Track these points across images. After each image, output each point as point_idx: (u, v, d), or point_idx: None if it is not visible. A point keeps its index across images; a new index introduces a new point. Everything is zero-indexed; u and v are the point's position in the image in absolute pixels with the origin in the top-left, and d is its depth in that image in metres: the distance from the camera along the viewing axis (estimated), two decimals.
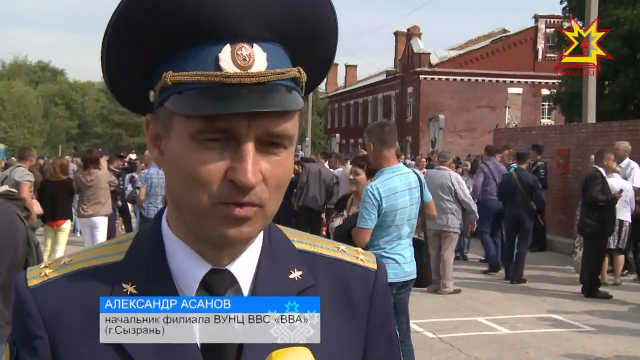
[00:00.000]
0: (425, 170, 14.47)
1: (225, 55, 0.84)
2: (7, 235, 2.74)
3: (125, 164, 15.18)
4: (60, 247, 9.00)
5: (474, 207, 9.29)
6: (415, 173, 4.99)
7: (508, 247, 10.49)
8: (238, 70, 0.84)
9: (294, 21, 0.87)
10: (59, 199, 8.82)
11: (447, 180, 9.12)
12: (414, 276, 4.84)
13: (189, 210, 0.88)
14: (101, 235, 9.19)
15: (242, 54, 0.84)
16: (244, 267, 0.93)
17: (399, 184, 4.66)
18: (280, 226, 1.03)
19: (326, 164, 13.18)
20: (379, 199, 4.56)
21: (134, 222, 14.22)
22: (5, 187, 3.44)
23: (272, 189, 0.87)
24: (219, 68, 0.84)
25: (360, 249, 1.06)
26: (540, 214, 10.79)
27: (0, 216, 2.76)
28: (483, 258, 12.39)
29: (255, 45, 0.85)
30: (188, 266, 0.92)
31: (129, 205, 14.49)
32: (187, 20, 0.84)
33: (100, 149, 14.26)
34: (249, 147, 0.84)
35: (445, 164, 9.57)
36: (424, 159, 17.16)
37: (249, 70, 0.84)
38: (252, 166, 0.83)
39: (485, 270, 11.10)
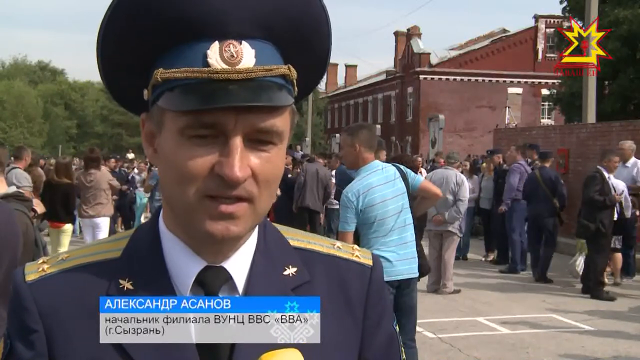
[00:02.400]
0: (421, 169, 14.45)
1: (213, 52, 0.85)
2: (5, 235, 2.73)
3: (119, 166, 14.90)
4: (63, 249, 9.00)
5: (462, 209, 9.17)
6: (395, 165, 4.97)
7: (531, 245, 10.42)
8: (226, 67, 0.85)
9: (284, 20, 0.88)
10: (59, 202, 8.81)
11: (452, 181, 9.16)
12: (411, 275, 4.72)
13: (179, 205, 0.89)
14: (103, 236, 9.19)
15: (230, 51, 0.85)
16: (238, 264, 0.94)
17: (375, 179, 4.65)
18: (275, 224, 1.04)
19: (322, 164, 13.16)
20: (354, 199, 4.59)
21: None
22: (13, 188, 3.45)
23: (262, 185, 0.87)
24: (207, 64, 0.85)
25: (356, 246, 1.07)
26: (561, 211, 10.67)
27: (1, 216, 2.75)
28: (483, 258, 12.41)
29: (243, 42, 0.86)
30: (183, 263, 0.92)
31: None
32: (176, 19, 0.85)
33: (111, 157, 14.21)
34: (237, 142, 0.84)
35: (454, 165, 9.62)
36: (419, 159, 17.12)
37: (236, 67, 0.85)
38: (239, 161, 0.84)
39: (502, 270, 11.10)
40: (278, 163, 0.89)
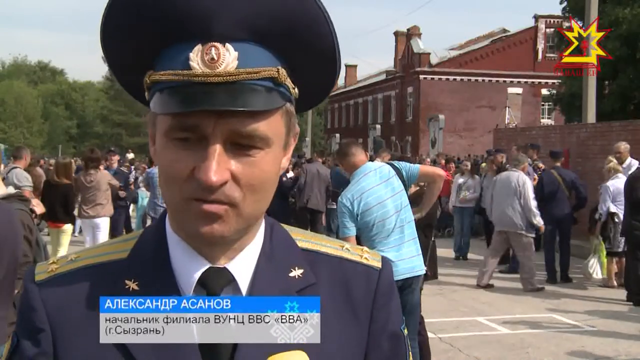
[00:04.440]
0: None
1: (195, 55, 0.85)
2: (5, 235, 2.73)
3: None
4: (63, 248, 9.00)
5: (533, 215, 9.44)
6: (389, 163, 4.95)
7: (550, 247, 10.36)
8: (206, 70, 0.85)
9: (273, 20, 0.86)
10: (59, 202, 8.81)
11: (514, 182, 9.41)
12: (413, 274, 4.68)
13: (170, 207, 0.90)
14: (102, 236, 9.19)
15: (210, 53, 0.85)
16: (242, 266, 0.93)
17: (367, 183, 4.65)
18: (285, 225, 1.03)
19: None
20: (348, 205, 4.60)
21: (134, 223, 14.20)
22: (12, 188, 3.49)
23: (246, 189, 0.87)
24: (189, 67, 0.85)
25: (365, 248, 1.06)
26: (578, 211, 10.65)
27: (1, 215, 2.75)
28: (484, 258, 12.39)
29: (227, 44, 0.85)
30: (187, 264, 0.93)
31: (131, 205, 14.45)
32: (161, 20, 0.86)
33: (112, 149, 14.02)
34: (215, 146, 0.84)
35: (519, 167, 9.74)
36: (427, 160, 17.21)
37: (217, 70, 0.85)
38: (216, 165, 0.84)
39: (502, 270, 11.07)
40: (265, 167, 0.88)
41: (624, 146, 10.30)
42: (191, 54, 0.85)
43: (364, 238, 4.64)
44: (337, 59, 0.94)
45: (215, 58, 0.85)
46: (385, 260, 1.04)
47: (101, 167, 9.83)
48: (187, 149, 0.85)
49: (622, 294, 9.06)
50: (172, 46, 0.87)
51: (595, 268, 9.44)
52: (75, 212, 9.46)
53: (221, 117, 0.84)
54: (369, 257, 1.03)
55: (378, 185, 4.65)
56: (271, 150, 0.89)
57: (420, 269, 4.76)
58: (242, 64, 0.85)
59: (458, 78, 41.02)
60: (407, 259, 4.67)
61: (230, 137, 0.85)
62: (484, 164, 13.95)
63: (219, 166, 0.84)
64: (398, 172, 4.78)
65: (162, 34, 0.87)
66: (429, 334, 7.06)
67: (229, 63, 0.85)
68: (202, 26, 0.85)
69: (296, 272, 0.96)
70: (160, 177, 0.90)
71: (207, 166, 0.84)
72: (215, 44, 0.85)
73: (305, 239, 1.02)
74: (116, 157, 12.94)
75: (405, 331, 1.05)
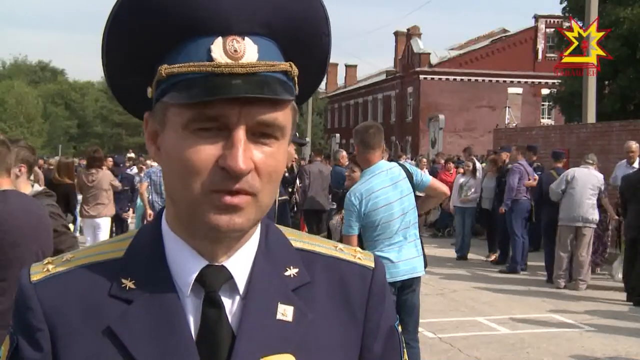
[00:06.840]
0: (425, 170, 14.41)
1: (216, 47, 0.87)
2: (36, 225, 2.76)
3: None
4: None
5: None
6: (400, 164, 4.94)
7: (549, 249, 10.29)
8: (229, 61, 0.86)
9: (285, 18, 0.90)
10: (60, 202, 8.78)
11: (596, 180, 9.59)
12: (413, 275, 4.70)
13: (183, 201, 0.89)
14: (103, 236, 9.18)
15: (233, 45, 0.87)
16: (239, 264, 0.94)
17: (377, 182, 4.63)
18: (279, 226, 1.05)
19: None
20: (356, 203, 4.58)
21: (133, 223, 14.18)
22: (37, 187, 3.60)
23: (265, 179, 0.88)
24: (211, 59, 0.86)
25: (358, 248, 1.07)
26: None
27: (19, 206, 2.76)
28: (485, 259, 12.38)
29: (246, 38, 0.88)
30: (184, 262, 0.93)
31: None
32: (179, 16, 0.86)
33: (117, 163, 13.94)
34: (240, 135, 0.85)
35: (593, 166, 9.87)
36: (424, 160, 17.22)
37: (240, 61, 0.86)
38: (243, 153, 0.85)
39: (502, 270, 11.08)
40: (280, 158, 0.90)
41: (635, 145, 10.27)
42: (212, 47, 0.87)
43: (366, 237, 4.63)
44: (327, 62, 0.98)
45: (238, 50, 0.87)
46: (377, 260, 1.06)
47: (104, 167, 9.82)
48: (207, 139, 0.86)
49: (622, 294, 9.06)
50: (186, 41, 0.88)
51: (618, 269, 9.41)
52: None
53: (244, 107, 0.85)
54: (362, 257, 1.05)
55: (387, 186, 4.64)
56: (284, 142, 0.91)
57: (421, 269, 4.78)
58: (261, 57, 0.88)
59: (458, 78, 41.03)
60: (408, 260, 4.68)
61: (253, 127, 0.87)
62: (484, 164, 13.93)
63: (245, 154, 0.85)
64: (409, 175, 4.79)
65: (175, 29, 0.87)
66: (429, 334, 7.08)
67: (251, 55, 0.87)
68: (223, 21, 0.86)
69: (291, 271, 0.98)
70: (172, 172, 0.89)
71: (235, 154, 0.85)
72: (236, 37, 0.87)
73: (299, 239, 1.04)
74: (109, 162, 12.94)
75: (400, 328, 1.07)
